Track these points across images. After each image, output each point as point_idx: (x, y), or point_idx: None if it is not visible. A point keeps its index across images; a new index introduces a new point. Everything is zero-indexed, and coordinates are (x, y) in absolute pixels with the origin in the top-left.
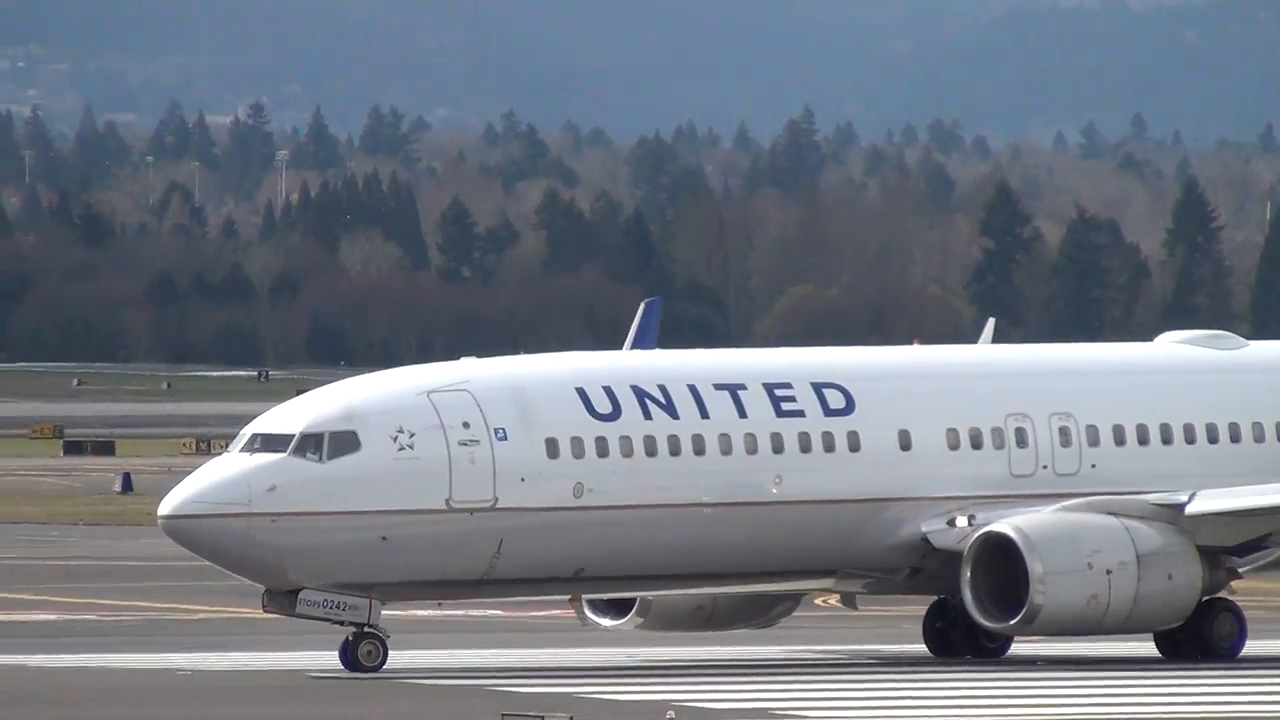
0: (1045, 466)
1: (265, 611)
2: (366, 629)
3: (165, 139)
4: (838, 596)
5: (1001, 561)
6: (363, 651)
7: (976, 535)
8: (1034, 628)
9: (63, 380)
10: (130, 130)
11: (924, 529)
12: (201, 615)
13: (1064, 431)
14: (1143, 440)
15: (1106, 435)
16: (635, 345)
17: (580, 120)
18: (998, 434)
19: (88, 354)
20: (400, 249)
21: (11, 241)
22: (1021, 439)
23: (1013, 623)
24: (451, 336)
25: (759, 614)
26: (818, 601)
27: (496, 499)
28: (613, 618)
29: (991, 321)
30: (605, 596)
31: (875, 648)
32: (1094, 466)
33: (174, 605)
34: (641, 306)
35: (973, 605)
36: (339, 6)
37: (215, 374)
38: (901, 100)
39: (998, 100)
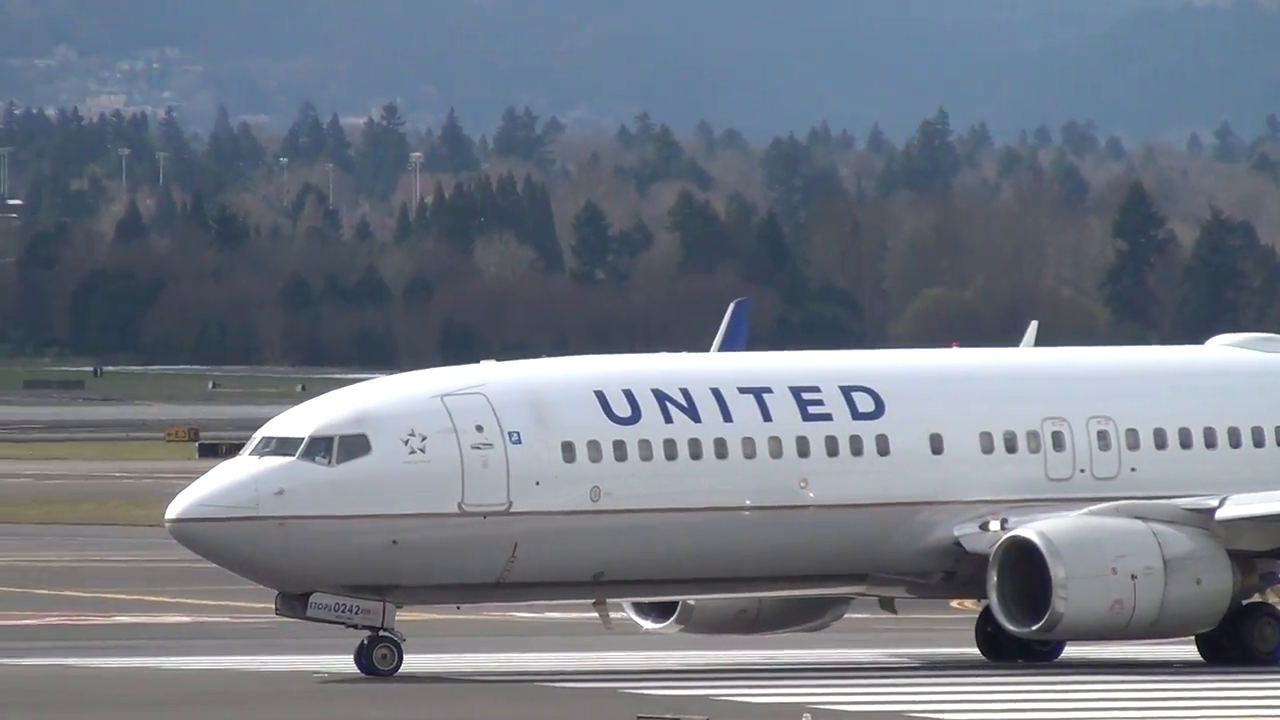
0: (1083, 470)
1: (278, 615)
2: (381, 633)
3: (299, 141)
4: (974, 600)
5: (1027, 566)
6: (377, 655)
7: (1002, 540)
8: (1057, 633)
9: (197, 383)
10: (264, 132)
11: (956, 533)
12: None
13: (1103, 435)
14: (1185, 444)
15: (1147, 439)
16: (724, 346)
17: (714, 122)
18: (1033, 437)
19: (222, 356)
20: (534, 251)
21: (146, 244)
22: (1058, 442)
23: (1035, 628)
24: (585, 339)
25: (807, 618)
26: (953, 604)
27: (510, 503)
28: (655, 620)
29: (1034, 325)
30: (628, 600)
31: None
32: (1134, 470)
33: None
34: (731, 307)
35: (999, 610)
36: (473, 7)
37: (349, 376)
38: (1035, 101)
39: (1131, 101)
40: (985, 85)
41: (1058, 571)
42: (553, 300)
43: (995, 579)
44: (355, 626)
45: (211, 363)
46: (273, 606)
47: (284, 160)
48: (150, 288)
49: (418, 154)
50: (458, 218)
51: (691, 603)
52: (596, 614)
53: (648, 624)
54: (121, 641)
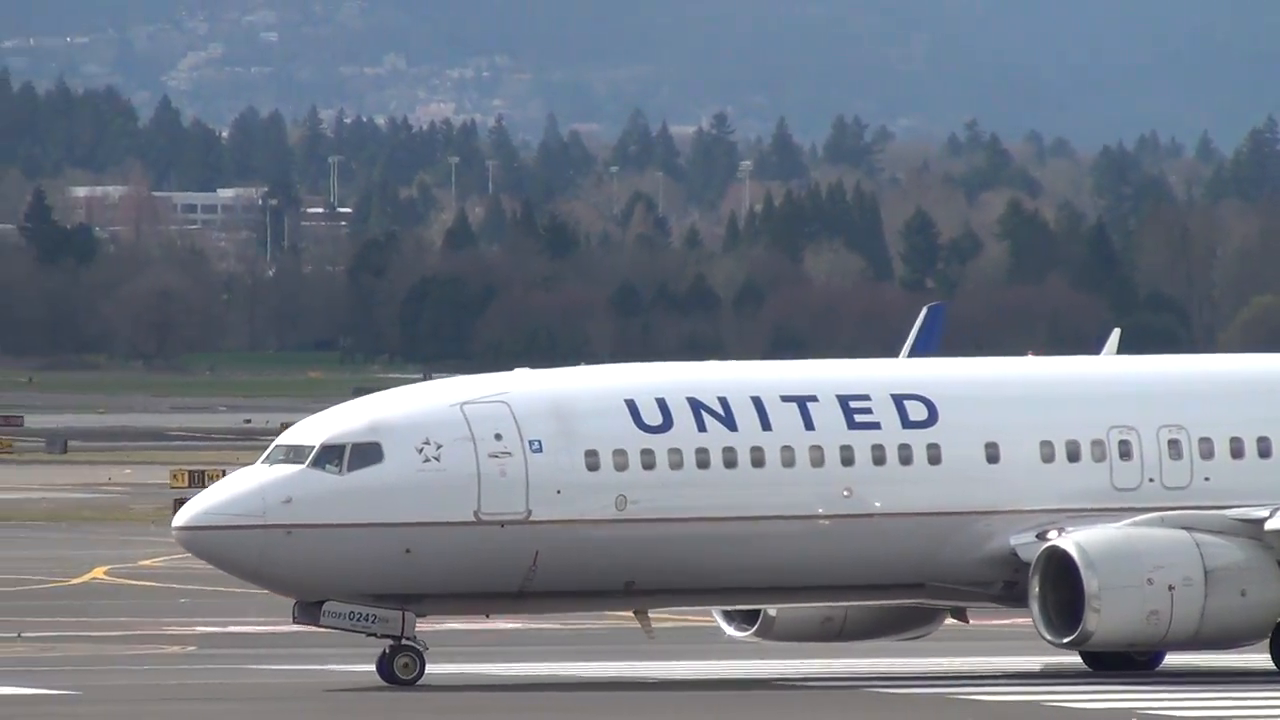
0: (1152, 479)
1: (295, 623)
2: (404, 641)
3: (629, 149)
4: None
5: (1067, 576)
6: (399, 664)
7: (1042, 550)
8: (1092, 644)
9: None
10: (594, 140)
11: (1012, 543)
12: (670, 622)
13: (1174, 444)
14: (1264, 453)
15: (1222, 448)
16: (915, 350)
17: (1043, 130)
18: (1099, 446)
19: (551, 363)
20: (863, 259)
21: (475, 251)
22: (1125, 451)
23: (1068, 640)
24: None
25: (901, 628)
26: None
27: (530, 512)
28: (738, 628)
29: (1116, 332)
30: (717, 609)
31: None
32: (1208, 480)
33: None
34: (924, 311)
35: (1040, 620)
36: (802, 16)
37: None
38: None
39: None
40: None
41: (1091, 582)
42: (882, 308)
43: (1036, 589)
44: (374, 635)
45: (542, 369)
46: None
47: (614, 168)
48: (480, 295)
49: (747, 162)
50: (787, 226)
51: (772, 612)
52: (638, 624)
53: (731, 630)
54: (452, 648)
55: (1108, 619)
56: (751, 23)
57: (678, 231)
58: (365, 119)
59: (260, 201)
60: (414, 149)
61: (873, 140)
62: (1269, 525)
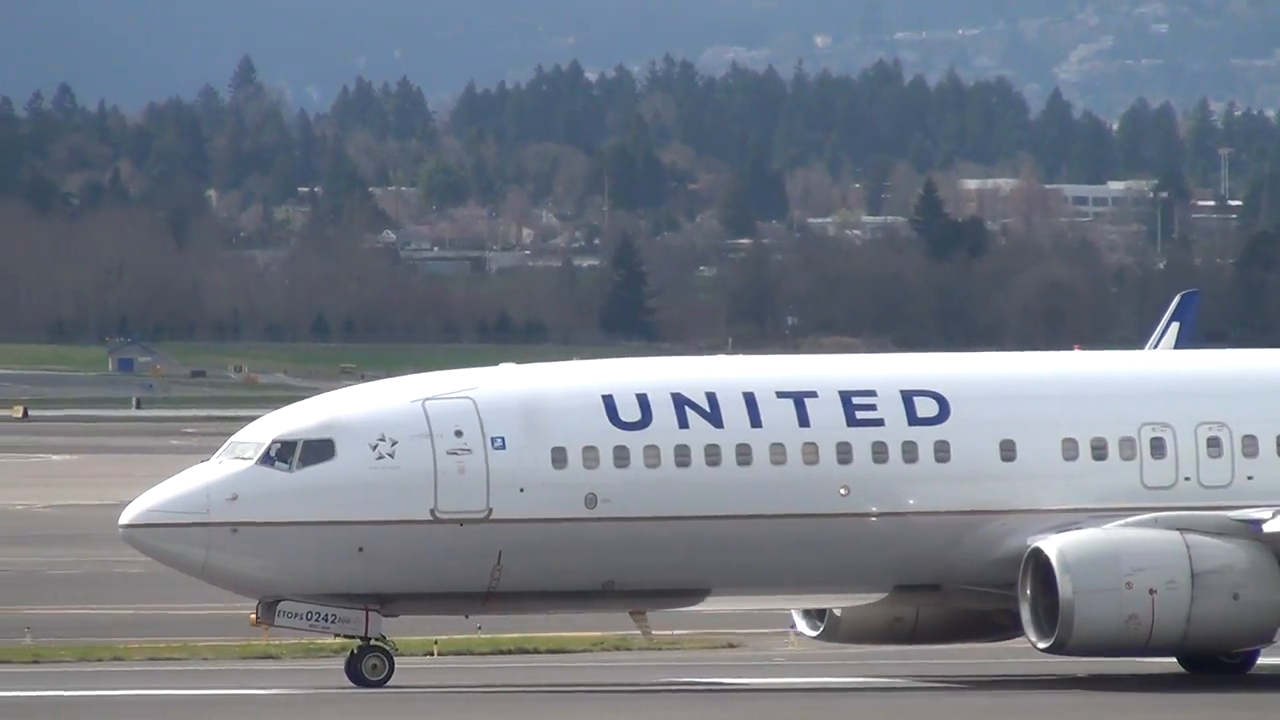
0: (1188, 478)
1: (257, 623)
2: (371, 642)
3: None
4: None
5: (1051, 579)
6: (367, 665)
7: (1028, 552)
8: (1070, 648)
9: None
10: None
11: (1030, 543)
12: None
13: (1214, 441)
14: None
15: (1268, 446)
16: (1162, 340)
17: None
18: (1128, 443)
19: None
20: None
21: None
22: (1158, 448)
23: (1045, 645)
24: None
25: (982, 633)
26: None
27: (490, 510)
28: (811, 625)
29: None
30: (797, 609)
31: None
32: (1250, 478)
33: None
34: (1176, 298)
35: (1029, 624)
36: None
37: None
38: None
39: None
40: None
41: (1066, 587)
42: None
43: (1027, 592)
44: (336, 636)
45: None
46: None
47: None
48: None
49: None
50: None
51: (838, 613)
52: (636, 626)
53: (804, 626)
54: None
55: (1082, 624)
56: None
57: None
58: (1256, 111)
59: (1150, 194)
60: None
61: None
62: (1268, 527)
